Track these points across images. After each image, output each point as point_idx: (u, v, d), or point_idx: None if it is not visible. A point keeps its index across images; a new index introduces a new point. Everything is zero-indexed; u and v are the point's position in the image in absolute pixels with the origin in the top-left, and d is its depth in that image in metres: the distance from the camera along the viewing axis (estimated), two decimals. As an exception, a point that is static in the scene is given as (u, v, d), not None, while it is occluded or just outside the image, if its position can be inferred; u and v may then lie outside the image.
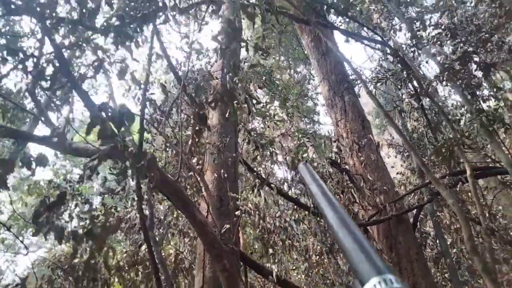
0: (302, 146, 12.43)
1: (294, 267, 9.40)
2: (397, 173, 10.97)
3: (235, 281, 2.65)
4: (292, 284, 4.32)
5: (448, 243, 7.40)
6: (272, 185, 4.53)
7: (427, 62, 5.22)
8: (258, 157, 4.90)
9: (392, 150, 12.61)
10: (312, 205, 4.37)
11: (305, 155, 9.67)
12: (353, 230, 0.62)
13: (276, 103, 15.41)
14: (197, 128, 3.58)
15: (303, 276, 9.00)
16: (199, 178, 3.81)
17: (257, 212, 4.01)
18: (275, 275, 3.85)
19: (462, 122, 4.84)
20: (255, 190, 4.01)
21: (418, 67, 5.70)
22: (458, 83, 4.64)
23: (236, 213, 3.65)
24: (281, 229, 6.69)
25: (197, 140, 3.83)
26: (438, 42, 4.72)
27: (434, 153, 4.51)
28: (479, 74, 4.59)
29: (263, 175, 10.63)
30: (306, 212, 5.97)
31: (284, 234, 6.78)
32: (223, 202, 3.80)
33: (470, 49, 4.26)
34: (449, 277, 6.78)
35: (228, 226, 3.29)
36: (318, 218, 5.58)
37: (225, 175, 3.90)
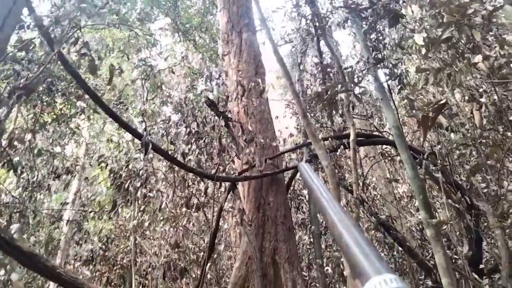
0: (194, 87, 11.08)
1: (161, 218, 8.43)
2: (290, 135, 10.57)
3: None
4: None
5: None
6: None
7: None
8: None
9: (289, 110, 12.21)
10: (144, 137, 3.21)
11: (189, 95, 8.41)
12: (354, 230, 0.61)
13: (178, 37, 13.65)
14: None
15: (167, 228, 8.11)
16: None
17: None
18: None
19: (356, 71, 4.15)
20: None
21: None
22: (362, 25, 3.88)
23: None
24: (135, 174, 5.51)
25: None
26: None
27: (315, 97, 3.73)
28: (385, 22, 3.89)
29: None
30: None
31: (139, 181, 5.62)
32: None
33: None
34: (311, 243, 6.50)
35: None
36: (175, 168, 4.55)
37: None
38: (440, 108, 2.59)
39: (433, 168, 3.76)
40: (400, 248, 6.01)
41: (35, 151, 6.11)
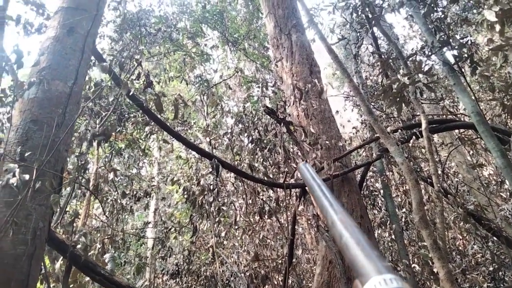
0: (250, 96, 11.17)
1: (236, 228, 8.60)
2: (353, 128, 10.21)
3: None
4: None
5: (397, 203, 6.76)
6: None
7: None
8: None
9: (349, 103, 11.83)
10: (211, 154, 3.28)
11: (247, 105, 8.50)
12: (355, 230, 0.62)
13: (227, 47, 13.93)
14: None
15: (243, 237, 8.25)
16: None
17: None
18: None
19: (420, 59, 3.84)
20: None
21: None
22: (419, 6, 3.58)
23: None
24: (206, 190, 5.67)
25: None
26: None
27: (381, 94, 3.51)
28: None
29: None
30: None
31: (211, 196, 5.78)
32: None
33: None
34: (394, 240, 6.16)
35: None
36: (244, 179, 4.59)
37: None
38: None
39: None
40: (496, 239, 5.45)
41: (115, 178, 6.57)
